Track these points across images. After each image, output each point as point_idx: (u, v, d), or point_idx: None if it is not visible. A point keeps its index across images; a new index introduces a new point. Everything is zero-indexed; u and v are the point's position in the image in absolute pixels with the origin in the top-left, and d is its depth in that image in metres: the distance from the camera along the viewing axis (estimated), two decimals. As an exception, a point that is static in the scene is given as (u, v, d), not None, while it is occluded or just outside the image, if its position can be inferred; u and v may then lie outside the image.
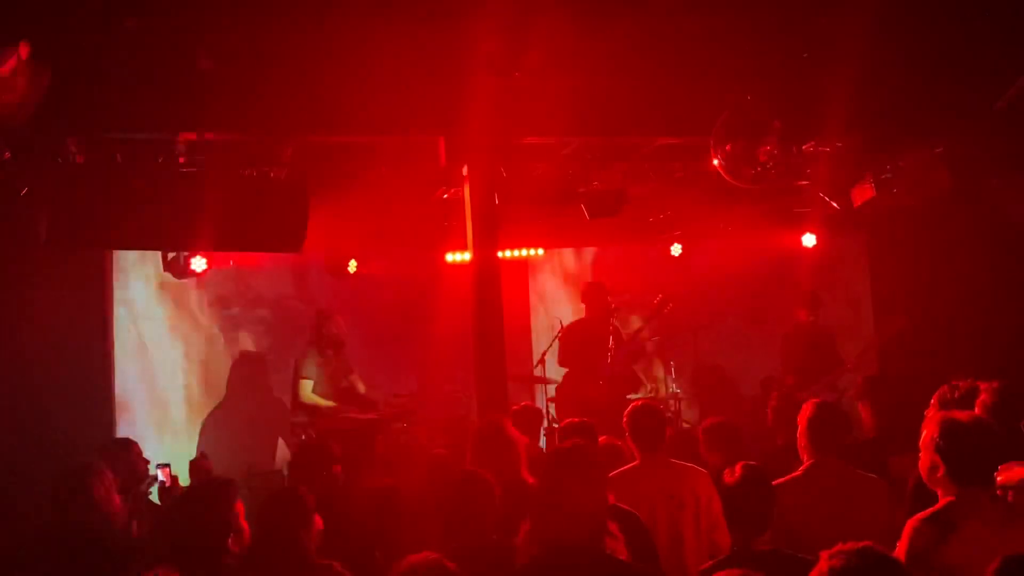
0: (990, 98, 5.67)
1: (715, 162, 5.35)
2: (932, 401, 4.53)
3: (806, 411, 4.03)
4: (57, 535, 3.31)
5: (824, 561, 2.13)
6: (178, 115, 4.95)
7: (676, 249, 9.33)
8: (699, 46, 5.22)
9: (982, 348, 7.45)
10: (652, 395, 8.05)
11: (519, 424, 4.73)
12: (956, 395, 4.40)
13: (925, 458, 3.07)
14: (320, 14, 4.70)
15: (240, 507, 3.24)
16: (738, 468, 3.33)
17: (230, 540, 3.14)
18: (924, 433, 3.10)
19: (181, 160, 5.75)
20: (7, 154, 4.87)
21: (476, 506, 3.42)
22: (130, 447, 4.48)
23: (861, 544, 2.14)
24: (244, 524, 3.23)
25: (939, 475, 3.02)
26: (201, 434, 8.14)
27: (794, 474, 3.88)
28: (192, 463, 4.53)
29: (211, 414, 8.27)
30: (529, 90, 5.37)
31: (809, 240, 9.38)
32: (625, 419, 4.31)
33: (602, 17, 4.93)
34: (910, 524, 2.94)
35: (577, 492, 2.75)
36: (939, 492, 3.04)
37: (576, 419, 5.06)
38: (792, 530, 3.28)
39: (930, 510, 2.98)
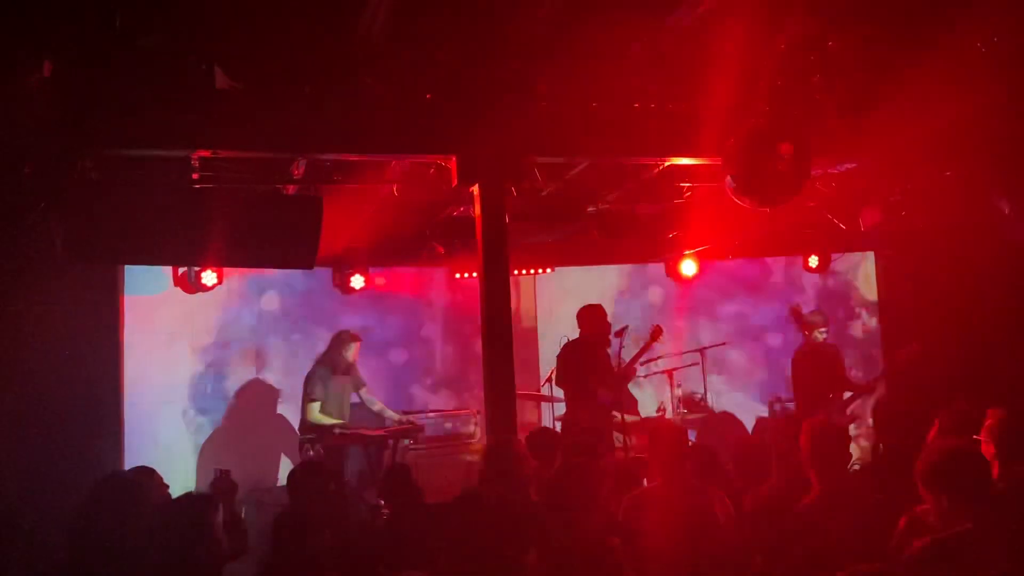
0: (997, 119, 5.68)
1: (725, 183, 5.37)
2: (934, 425, 4.56)
3: (805, 431, 4.05)
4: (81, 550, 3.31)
5: None
6: (193, 133, 5.00)
7: (689, 268, 9.38)
8: (709, 67, 5.27)
9: (991, 371, 7.43)
10: (661, 414, 8.04)
11: (535, 446, 4.74)
12: (955, 420, 4.43)
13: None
14: (334, 34, 4.76)
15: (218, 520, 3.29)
16: (763, 491, 3.33)
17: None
18: (922, 466, 3.12)
19: (195, 176, 5.83)
20: (27, 169, 4.94)
21: (478, 524, 3.43)
22: (151, 475, 4.49)
23: (875, 564, 2.17)
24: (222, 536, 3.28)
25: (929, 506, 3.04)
26: (203, 450, 8.15)
27: (809, 499, 3.87)
28: (215, 481, 4.52)
29: (215, 431, 8.28)
30: (540, 111, 5.42)
31: (815, 261, 9.45)
32: (647, 440, 4.33)
33: (614, 38, 4.98)
34: (917, 544, 2.95)
35: (579, 510, 2.78)
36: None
37: (578, 439, 5.08)
38: (813, 553, 3.28)
39: (941, 535, 2.97)
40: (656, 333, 7.29)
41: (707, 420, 8.56)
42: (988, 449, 3.75)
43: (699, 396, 8.60)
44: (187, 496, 3.61)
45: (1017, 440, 3.80)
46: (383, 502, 5.01)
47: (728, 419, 9.27)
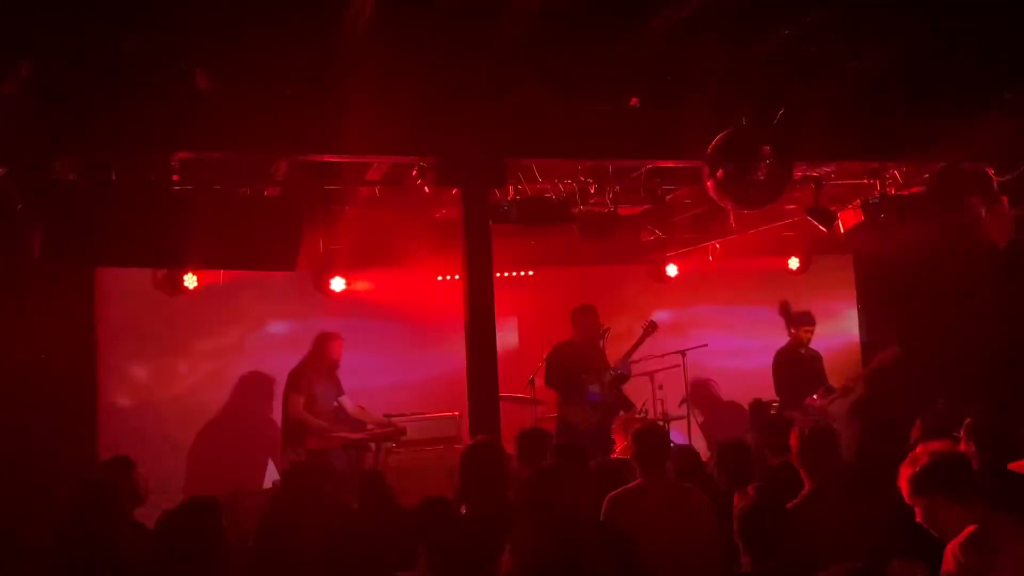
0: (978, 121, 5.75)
1: (707, 185, 5.40)
2: (915, 426, 4.61)
3: (796, 432, 4.07)
4: (68, 550, 3.26)
5: None
6: (174, 135, 4.97)
7: (672, 270, 9.42)
8: (693, 71, 5.29)
9: (970, 371, 7.51)
10: (643, 415, 8.06)
11: (526, 446, 4.72)
12: (936, 422, 4.49)
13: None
14: (316, 36, 4.74)
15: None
16: (751, 491, 3.34)
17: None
18: (911, 471, 3.12)
19: (175, 178, 5.78)
20: (2, 170, 4.88)
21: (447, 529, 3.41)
22: (132, 467, 4.42)
23: (859, 564, 2.19)
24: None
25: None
26: (190, 451, 8.07)
27: (798, 499, 3.90)
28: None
29: (202, 430, 8.21)
30: (522, 113, 5.42)
31: (795, 263, 9.52)
32: (630, 440, 4.34)
33: (597, 41, 4.99)
34: (951, 547, 2.95)
35: (557, 511, 2.77)
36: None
37: (566, 442, 5.07)
38: (801, 551, 3.30)
39: (965, 533, 2.99)
40: (651, 328, 7.26)
41: (716, 409, 8.58)
42: (968, 447, 3.81)
43: (682, 398, 8.62)
44: (194, 500, 3.57)
45: (995, 437, 3.86)
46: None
47: (734, 408, 9.26)
